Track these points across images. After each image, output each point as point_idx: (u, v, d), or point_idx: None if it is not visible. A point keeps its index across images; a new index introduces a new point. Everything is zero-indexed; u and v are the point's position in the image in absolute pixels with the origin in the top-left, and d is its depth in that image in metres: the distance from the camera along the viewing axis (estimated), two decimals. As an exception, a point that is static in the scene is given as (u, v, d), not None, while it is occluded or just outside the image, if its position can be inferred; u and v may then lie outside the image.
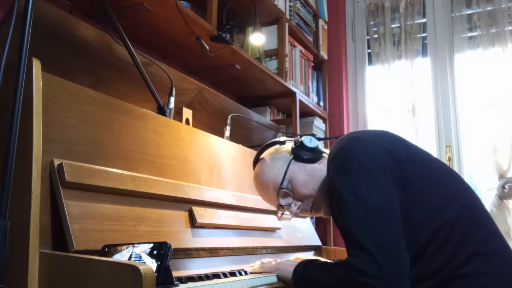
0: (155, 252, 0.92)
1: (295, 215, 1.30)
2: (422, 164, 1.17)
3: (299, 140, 1.30)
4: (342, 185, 1.11)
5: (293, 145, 1.31)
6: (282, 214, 1.32)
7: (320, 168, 1.27)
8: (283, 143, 1.35)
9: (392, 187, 1.09)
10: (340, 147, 1.17)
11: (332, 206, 1.22)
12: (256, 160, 1.37)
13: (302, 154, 1.28)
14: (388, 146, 1.15)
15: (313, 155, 1.28)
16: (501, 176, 2.73)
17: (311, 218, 2.11)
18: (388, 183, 1.09)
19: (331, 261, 1.22)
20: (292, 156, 1.29)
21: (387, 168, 1.11)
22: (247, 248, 1.47)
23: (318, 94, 3.12)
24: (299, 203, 1.28)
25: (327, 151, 1.30)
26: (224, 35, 1.94)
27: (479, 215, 1.13)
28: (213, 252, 1.32)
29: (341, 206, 1.10)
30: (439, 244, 1.06)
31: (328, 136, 3.09)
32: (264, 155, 1.35)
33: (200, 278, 1.07)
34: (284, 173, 1.26)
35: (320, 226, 2.88)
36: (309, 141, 1.29)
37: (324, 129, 3.06)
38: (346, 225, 1.08)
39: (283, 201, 1.27)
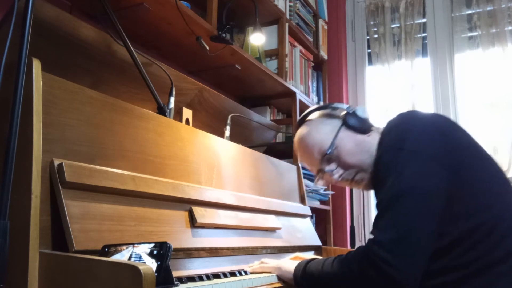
0: (155, 252, 0.92)
1: (335, 183, 1.26)
2: (477, 157, 1.15)
3: (352, 108, 1.28)
4: (391, 159, 1.09)
5: (345, 113, 1.27)
6: (319, 179, 1.29)
7: (369, 141, 1.23)
8: (335, 109, 1.31)
9: (442, 173, 1.05)
10: (399, 122, 1.15)
11: (375, 178, 1.18)
12: (302, 121, 1.34)
13: (354, 123, 1.25)
14: (448, 132, 1.13)
15: (364, 126, 1.26)
16: (501, 176, 2.73)
17: (311, 218, 2.11)
18: (439, 168, 1.06)
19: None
20: (342, 123, 1.26)
21: (441, 153, 1.07)
22: (247, 248, 1.47)
23: (318, 94, 3.12)
24: (341, 171, 1.24)
25: (379, 126, 1.27)
26: (224, 35, 1.94)
27: None
28: (213, 252, 1.32)
29: (385, 180, 1.08)
30: (476, 238, 1.04)
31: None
32: (312, 117, 1.32)
33: (200, 278, 1.07)
34: (333, 139, 1.23)
35: (320, 226, 2.88)
36: (362, 111, 1.27)
37: (324, 129, 3.06)
38: (384, 200, 1.06)
39: (326, 167, 1.24)
